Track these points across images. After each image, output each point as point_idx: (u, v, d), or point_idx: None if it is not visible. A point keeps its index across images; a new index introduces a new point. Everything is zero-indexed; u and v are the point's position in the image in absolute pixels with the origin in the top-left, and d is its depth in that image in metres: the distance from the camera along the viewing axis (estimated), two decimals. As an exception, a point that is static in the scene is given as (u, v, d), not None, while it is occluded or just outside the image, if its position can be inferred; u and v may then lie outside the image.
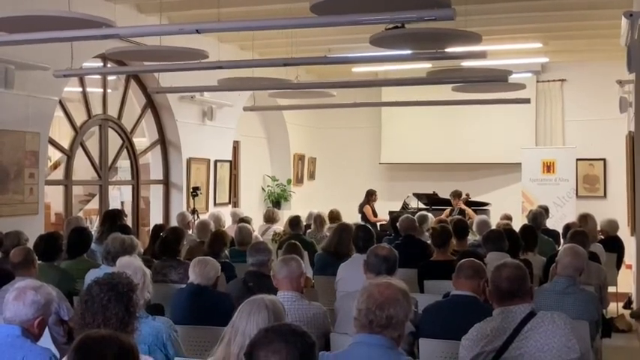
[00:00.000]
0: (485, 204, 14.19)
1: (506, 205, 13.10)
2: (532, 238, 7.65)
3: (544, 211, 10.08)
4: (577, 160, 14.74)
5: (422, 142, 16.38)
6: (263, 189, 16.35)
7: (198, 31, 6.82)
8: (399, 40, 7.48)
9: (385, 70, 14.88)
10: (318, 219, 10.44)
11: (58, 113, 9.87)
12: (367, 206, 14.07)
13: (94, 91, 10.94)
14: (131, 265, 4.70)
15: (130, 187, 11.94)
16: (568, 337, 3.81)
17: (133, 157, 11.67)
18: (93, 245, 7.59)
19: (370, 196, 14.23)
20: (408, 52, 8.78)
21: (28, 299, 3.87)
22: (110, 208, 10.49)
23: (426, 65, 12.43)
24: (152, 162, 12.37)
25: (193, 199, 11.91)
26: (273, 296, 3.56)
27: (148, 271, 4.79)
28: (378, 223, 13.51)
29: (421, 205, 14.43)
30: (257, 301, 3.36)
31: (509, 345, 3.84)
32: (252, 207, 15.13)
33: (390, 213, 13.12)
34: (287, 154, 16.67)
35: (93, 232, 8.31)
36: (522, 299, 3.99)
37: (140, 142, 12.16)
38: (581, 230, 7.60)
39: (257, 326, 3.17)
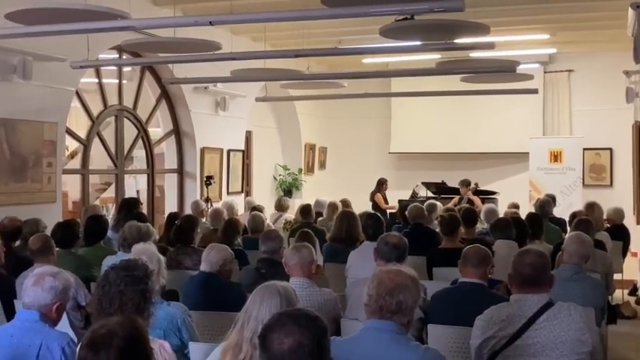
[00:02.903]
0: (494, 193, 14.28)
1: (514, 194, 13.13)
2: (538, 226, 7.65)
3: (551, 200, 10.09)
4: (584, 149, 14.73)
5: (431, 132, 16.42)
6: (275, 178, 16.44)
7: (211, 23, 6.88)
8: (409, 32, 7.53)
9: (395, 61, 14.90)
10: (331, 207, 10.31)
11: (75, 104, 9.94)
12: (378, 194, 14.26)
13: (110, 82, 11.00)
14: (146, 252, 4.77)
15: (146, 176, 12.02)
16: (582, 330, 3.81)
17: (148, 146, 11.73)
18: (109, 233, 7.68)
19: (381, 185, 14.45)
20: (418, 43, 8.81)
21: (46, 285, 3.90)
22: (126, 196, 10.56)
23: (436, 56, 12.48)
24: (167, 151, 12.43)
25: (207, 187, 11.98)
26: (285, 282, 3.56)
27: (162, 258, 4.86)
28: (389, 211, 13.63)
29: (430, 194, 14.49)
30: (269, 287, 3.37)
31: (523, 333, 3.85)
32: (264, 195, 15.23)
33: (400, 202, 13.22)
34: (298, 143, 16.72)
35: (109, 220, 8.40)
36: (542, 288, 3.97)
37: (155, 132, 12.23)
38: (585, 218, 7.65)
39: (269, 311, 3.18)
